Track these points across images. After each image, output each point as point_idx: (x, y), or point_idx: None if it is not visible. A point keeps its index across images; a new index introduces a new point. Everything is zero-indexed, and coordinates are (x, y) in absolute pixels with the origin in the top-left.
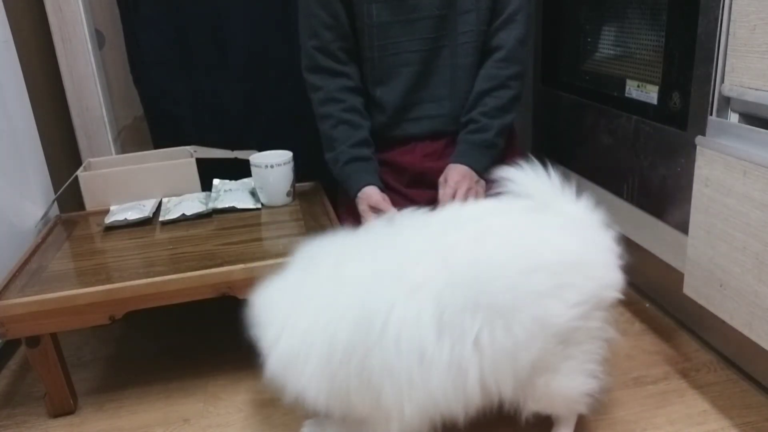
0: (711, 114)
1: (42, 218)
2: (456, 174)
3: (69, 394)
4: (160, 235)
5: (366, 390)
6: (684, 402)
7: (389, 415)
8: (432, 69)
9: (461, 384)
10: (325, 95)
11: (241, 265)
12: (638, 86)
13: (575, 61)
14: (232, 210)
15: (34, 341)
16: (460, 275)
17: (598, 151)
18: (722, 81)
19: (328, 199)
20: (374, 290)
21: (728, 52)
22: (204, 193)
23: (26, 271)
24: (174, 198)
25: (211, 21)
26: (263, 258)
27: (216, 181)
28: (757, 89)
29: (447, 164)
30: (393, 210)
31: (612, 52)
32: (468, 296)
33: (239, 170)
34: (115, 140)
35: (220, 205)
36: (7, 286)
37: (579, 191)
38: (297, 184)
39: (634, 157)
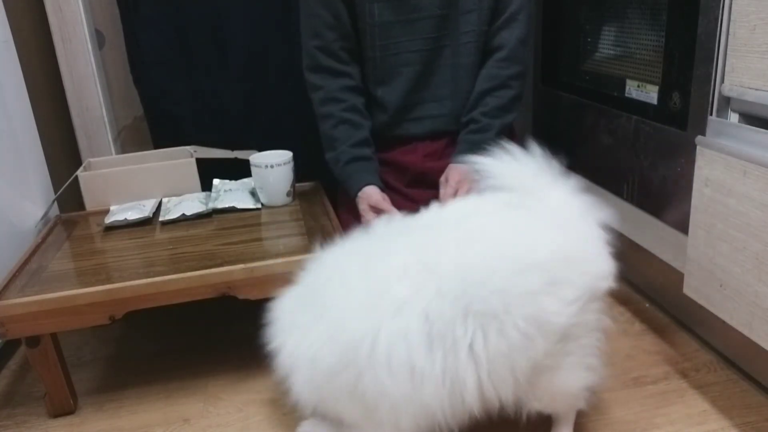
0: (711, 114)
1: (42, 218)
2: (457, 174)
3: (69, 394)
4: (160, 235)
5: (359, 406)
6: (684, 402)
7: (384, 427)
8: (433, 69)
9: (459, 394)
10: (326, 95)
11: (241, 265)
12: (638, 86)
13: (575, 61)
14: (232, 210)
15: (34, 341)
16: (449, 285)
17: (598, 151)
18: (722, 81)
19: (328, 199)
20: (358, 315)
21: (728, 52)
22: (204, 193)
23: (26, 271)
24: (174, 198)
25: (211, 21)
26: (263, 258)
27: (216, 181)
28: (757, 89)
29: (448, 164)
30: (393, 210)
31: (612, 52)
32: (458, 305)
33: (239, 170)
34: (115, 140)
35: (220, 205)
36: (7, 286)
37: (589, 195)
38: (297, 184)
39: (634, 157)
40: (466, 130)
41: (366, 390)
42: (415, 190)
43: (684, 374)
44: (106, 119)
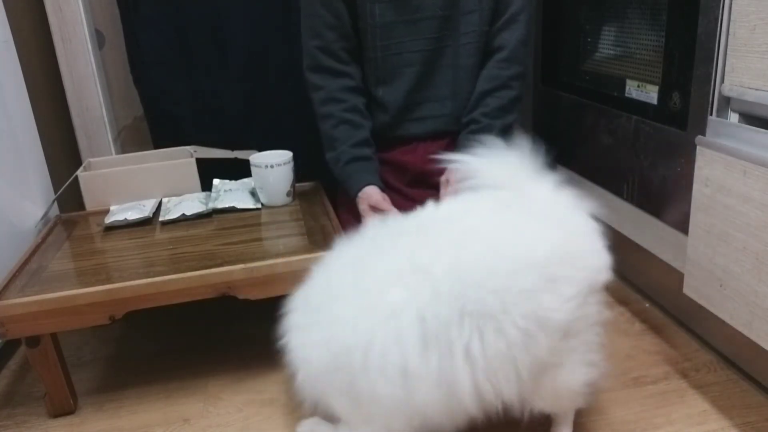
0: (711, 114)
1: (42, 218)
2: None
3: (69, 394)
4: (160, 235)
5: (355, 407)
6: (684, 402)
7: (378, 428)
8: (434, 69)
9: (455, 396)
10: (326, 95)
11: (241, 265)
12: (638, 86)
13: (575, 61)
14: (232, 210)
15: (34, 341)
16: (445, 289)
17: (598, 151)
18: (722, 81)
19: (328, 199)
20: (351, 324)
21: (728, 52)
22: (204, 193)
23: (26, 271)
24: (174, 198)
25: (211, 21)
26: (263, 258)
27: (216, 181)
28: (757, 89)
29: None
30: (393, 210)
31: (612, 52)
32: (454, 307)
33: (239, 170)
34: (115, 140)
35: (220, 205)
36: (7, 286)
37: (576, 188)
38: (297, 184)
39: (634, 157)
40: (467, 130)
41: (360, 393)
42: (416, 190)
43: (684, 374)
44: (106, 119)
